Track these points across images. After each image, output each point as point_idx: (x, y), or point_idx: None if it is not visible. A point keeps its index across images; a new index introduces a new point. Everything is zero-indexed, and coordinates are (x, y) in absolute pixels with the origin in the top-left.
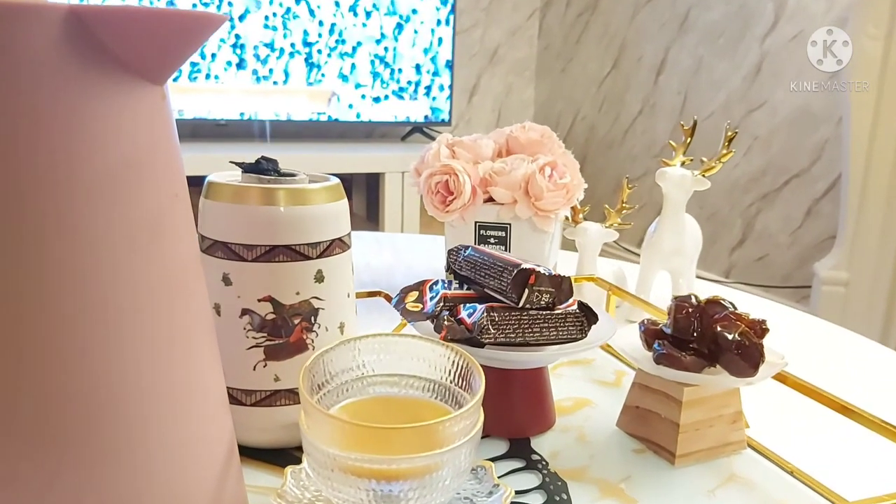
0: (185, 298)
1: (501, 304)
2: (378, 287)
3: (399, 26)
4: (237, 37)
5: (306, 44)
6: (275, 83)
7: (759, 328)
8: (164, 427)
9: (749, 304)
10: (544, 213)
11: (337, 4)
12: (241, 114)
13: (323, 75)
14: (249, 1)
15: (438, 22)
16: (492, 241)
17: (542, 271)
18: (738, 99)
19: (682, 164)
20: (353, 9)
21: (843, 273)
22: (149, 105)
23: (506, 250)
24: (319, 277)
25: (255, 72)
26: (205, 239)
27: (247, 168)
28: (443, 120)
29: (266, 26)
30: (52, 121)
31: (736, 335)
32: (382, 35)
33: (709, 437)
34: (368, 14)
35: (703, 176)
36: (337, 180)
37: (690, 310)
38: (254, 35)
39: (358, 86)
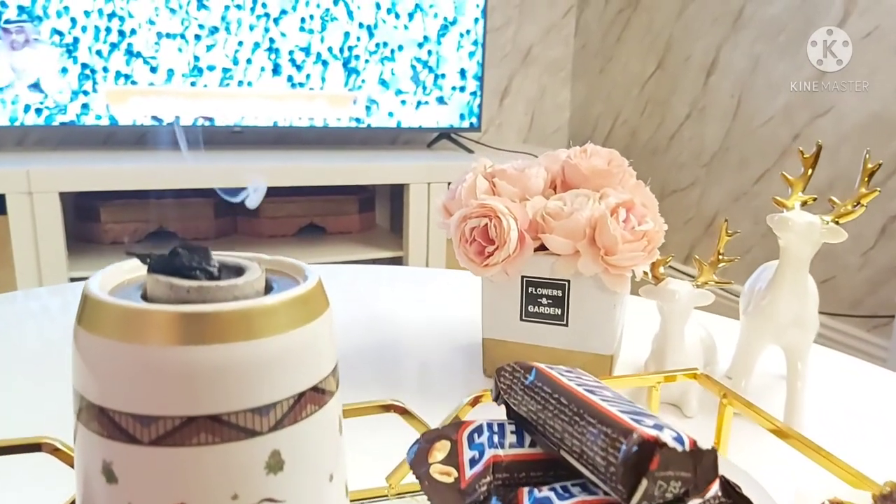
0: None
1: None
2: (382, 373)
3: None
4: (271, 40)
5: (343, 49)
6: (311, 89)
7: None
8: None
9: (832, 361)
10: (618, 270)
11: (377, 6)
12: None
13: (364, 81)
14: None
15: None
16: (544, 301)
17: (672, 443)
18: (801, 103)
19: (804, 204)
20: (391, 10)
21: None
22: None
23: (562, 315)
24: (275, 464)
25: (290, 77)
26: (81, 400)
27: (154, 265)
28: (472, 125)
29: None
30: None
31: None
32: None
33: None
34: (396, 14)
35: (838, 223)
36: (314, 279)
37: None
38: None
39: (399, 92)
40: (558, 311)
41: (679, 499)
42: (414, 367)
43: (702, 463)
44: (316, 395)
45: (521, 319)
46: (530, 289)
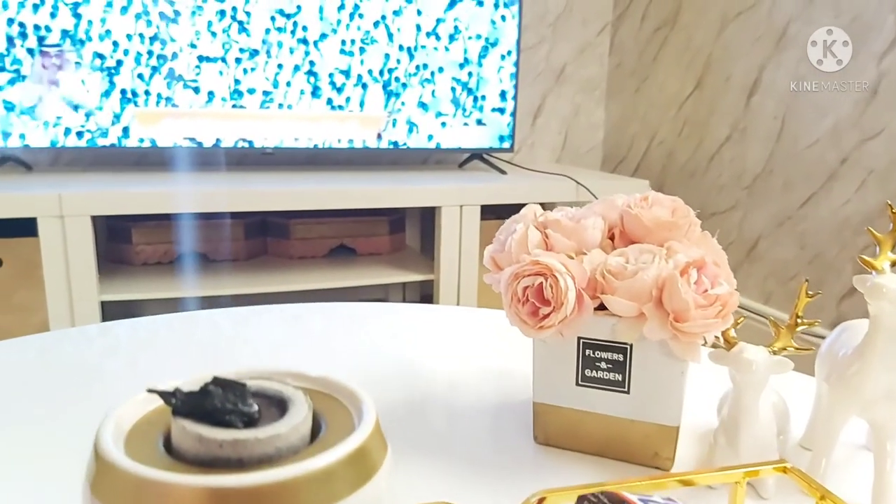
0: None
1: None
2: (423, 439)
3: (464, 47)
4: (311, 63)
5: (383, 71)
6: (351, 111)
7: None
8: None
9: None
10: (689, 337)
11: (418, 28)
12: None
13: (403, 103)
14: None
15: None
16: (602, 366)
17: None
18: (849, 126)
19: (893, 265)
20: (431, 33)
21: None
22: None
23: (623, 381)
24: None
25: (329, 101)
26: None
27: (181, 407)
28: (502, 141)
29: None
30: None
31: None
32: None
33: None
34: (437, 36)
35: None
36: (371, 418)
37: None
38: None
39: (437, 112)
40: (619, 377)
41: None
42: (458, 431)
43: None
44: None
45: (577, 384)
46: (588, 351)
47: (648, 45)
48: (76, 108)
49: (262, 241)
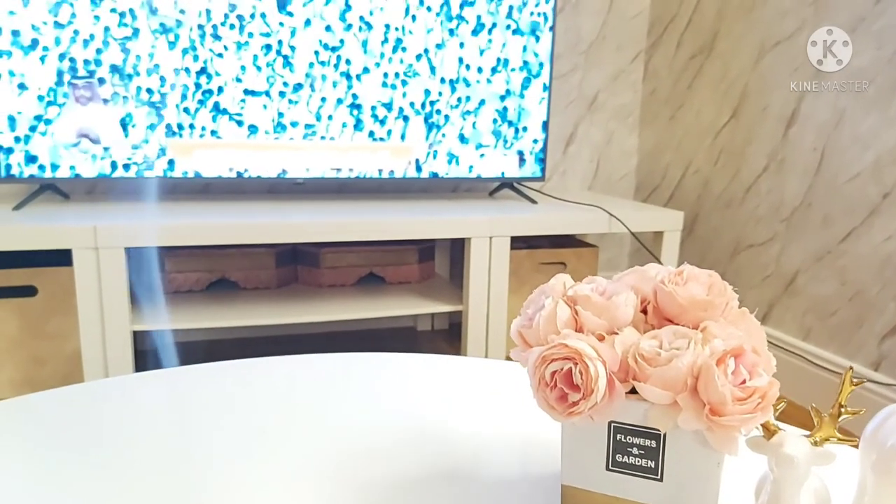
0: None
1: None
2: None
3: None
4: (354, 96)
5: (426, 105)
6: (381, 139)
7: None
8: None
9: None
10: (725, 429)
11: (460, 61)
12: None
13: (443, 135)
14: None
15: (530, 67)
16: (634, 451)
17: None
18: (893, 160)
19: None
20: (470, 67)
21: None
22: None
23: (656, 468)
24: None
25: (371, 133)
26: None
27: None
28: (535, 172)
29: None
30: None
31: None
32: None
33: None
34: (479, 69)
35: None
36: None
37: None
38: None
39: (479, 146)
40: (651, 464)
41: None
42: None
43: None
44: None
45: (608, 469)
46: (619, 436)
47: (683, 73)
48: (97, 141)
49: (293, 269)
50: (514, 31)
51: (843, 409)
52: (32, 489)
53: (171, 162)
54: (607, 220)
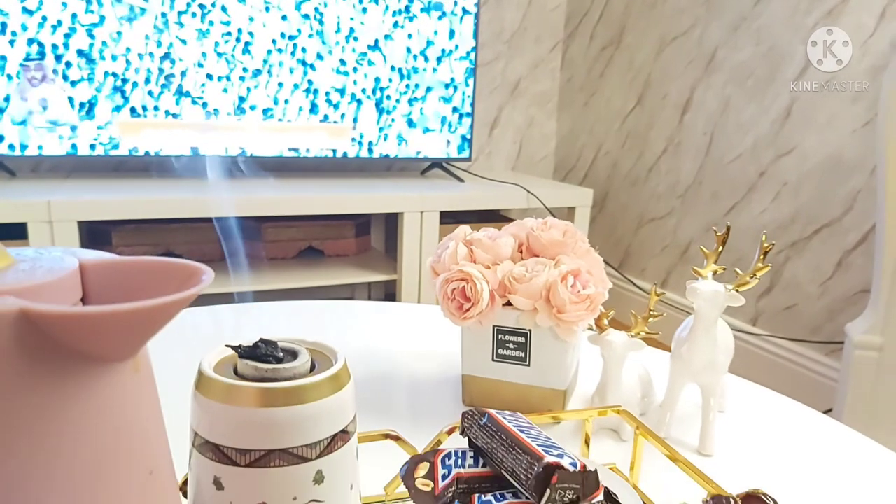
0: None
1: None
2: (381, 402)
3: (417, 58)
4: (309, 82)
5: (378, 90)
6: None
7: None
8: None
9: (779, 407)
10: (567, 324)
11: (408, 50)
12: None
13: (393, 120)
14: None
15: (461, 56)
16: (510, 346)
17: (567, 466)
18: (767, 143)
19: (714, 273)
20: (371, 48)
21: (877, 337)
22: (118, 384)
23: (525, 357)
24: (319, 478)
25: (325, 116)
26: (197, 436)
27: (243, 353)
28: (460, 150)
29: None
30: (8, 419)
31: None
32: (397, 69)
33: None
34: (426, 57)
35: (738, 291)
36: (342, 362)
37: None
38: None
39: (409, 122)
40: (522, 354)
41: (573, 500)
42: (407, 397)
43: (587, 479)
44: (344, 435)
45: (493, 360)
46: (500, 336)
47: (596, 63)
48: (55, 124)
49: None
50: (440, 17)
51: (651, 313)
52: None
53: (112, 139)
54: (526, 197)
